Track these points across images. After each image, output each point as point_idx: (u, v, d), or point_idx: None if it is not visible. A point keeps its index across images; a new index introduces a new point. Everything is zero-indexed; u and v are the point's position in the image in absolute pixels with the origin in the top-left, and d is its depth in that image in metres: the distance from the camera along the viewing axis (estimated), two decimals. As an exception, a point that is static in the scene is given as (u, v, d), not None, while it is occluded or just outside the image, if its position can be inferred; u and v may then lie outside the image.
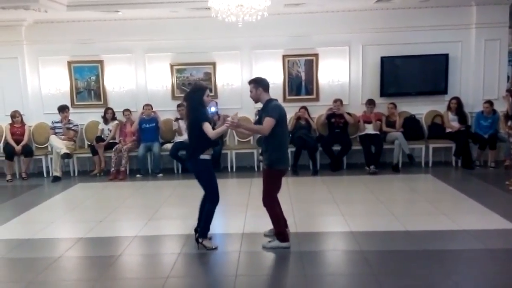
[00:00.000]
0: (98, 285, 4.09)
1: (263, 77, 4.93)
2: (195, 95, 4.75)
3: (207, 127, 4.59)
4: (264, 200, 4.73)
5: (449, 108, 8.70)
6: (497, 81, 8.81)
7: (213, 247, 4.80)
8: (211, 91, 8.91)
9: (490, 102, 8.45)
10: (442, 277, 4.01)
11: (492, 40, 8.70)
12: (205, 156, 4.69)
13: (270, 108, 4.61)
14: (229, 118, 4.49)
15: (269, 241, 4.84)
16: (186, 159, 4.99)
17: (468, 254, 4.55)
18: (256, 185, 7.58)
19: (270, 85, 9.12)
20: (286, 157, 4.81)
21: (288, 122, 8.60)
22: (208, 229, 4.83)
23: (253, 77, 8.67)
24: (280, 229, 4.75)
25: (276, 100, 4.78)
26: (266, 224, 5.14)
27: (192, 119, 4.70)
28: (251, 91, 4.77)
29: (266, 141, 4.67)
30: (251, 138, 9.02)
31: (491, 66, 8.77)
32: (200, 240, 4.81)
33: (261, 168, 8.70)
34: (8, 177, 8.62)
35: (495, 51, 8.73)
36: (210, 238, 4.90)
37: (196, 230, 4.90)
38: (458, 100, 8.65)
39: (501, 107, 8.20)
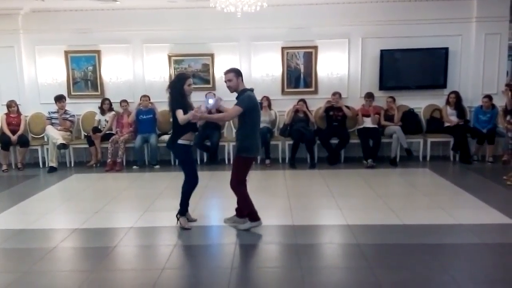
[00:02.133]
0: (93, 276, 4.07)
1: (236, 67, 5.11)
2: (177, 83, 5.00)
3: (178, 113, 4.86)
4: (231, 184, 5.02)
5: (448, 102, 8.67)
6: (496, 75, 8.78)
7: (186, 227, 5.11)
8: (208, 82, 8.90)
9: (489, 97, 8.43)
10: (439, 271, 4.00)
11: (493, 34, 8.66)
12: (183, 141, 4.98)
13: (240, 98, 4.83)
14: (195, 109, 4.84)
15: (241, 224, 5.11)
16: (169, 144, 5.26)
17: (465, 248, 4.54)
18: (253, 178, 7.53)
19: (268, 78, 9.25)
20: (255, 146, 4.98)
21: (286, 114, 8.74)
22: (186, 208, 5.21)
23: (252, 69, 8.86)
24: (249, 210, 5.02)
25: (251, 90, 4.95)
26: (262, 216, 5.13)
27: (171, 106, 4.98)
28: (230, 80, 4.88)
29: (238, 129, 4.99)
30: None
31: (490, 60, 8.74)
32: (178, 216, 5.18)
33: (258, 161, 8.73)
34: (4, 167, 8.58)
35: (495, 45, 8.70)
36: (195, 220, 5.33)
37: (177, 215, 5.22)
38: (457, 94, 8.61)
39: (500, 102, 8.18)
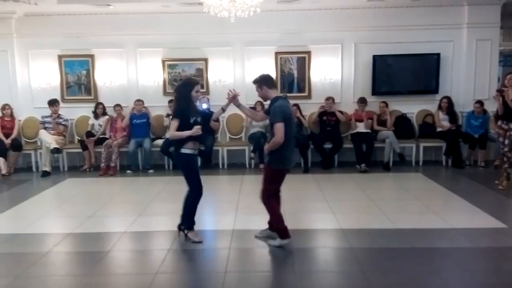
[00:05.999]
0: (86, 280, 4.06)
1: (265, 73, 4.87)
2: (183, 88, 4.81)
3: (172, 123, 4.70)
4: (262, 197, 4.71)
5: (440, 107, 8.74)
6: (488, 81, 8.86)
7: (198, 240, 4.83)
8: (202, 87, 8.90)
9: (480, 102, 8.51)
10: (431, 275, 4.03)
11: (484, 40, 8.75)
12: (186, 150, 4.72)
13: (271, 112, 4.50)
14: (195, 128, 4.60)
15: (273, 239, 4.76)
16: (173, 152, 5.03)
17: (457, 252, 4.57)
18: (247, 182, 7.59)
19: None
20: (287, 158, 4.62)
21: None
22: (192, 221, 4.90)
23: (246, 74, 8.89)
24: (280, 226, 4.68)
25: (281, 97, 4.60)
26: (256, 221, 5.14)
27: (174, 111, 4.84)
28: (257, 91, 4.70)
29: (269, 139, 4.61)
30: (243, 135, 9.00)
31: (482, 66, 8.81)
32: (185, 232, 4.88)
33: (252, 166, 8.76)
34: (3, 171, 8.32)
35: (487, 51, 8.78)
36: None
37: (179, 227, 4.96)
38: (449, 99, 8.69)
39: (491, 107, 8.25)
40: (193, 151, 4.78)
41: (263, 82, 4.64)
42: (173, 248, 4.77)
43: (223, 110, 5.14)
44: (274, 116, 4.44)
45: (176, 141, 4.78)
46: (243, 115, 8.16)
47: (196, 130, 4.62)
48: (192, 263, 4.50)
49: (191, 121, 4.68)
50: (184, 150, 4.73)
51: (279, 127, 4.39)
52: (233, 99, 4.89)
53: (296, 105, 8.74)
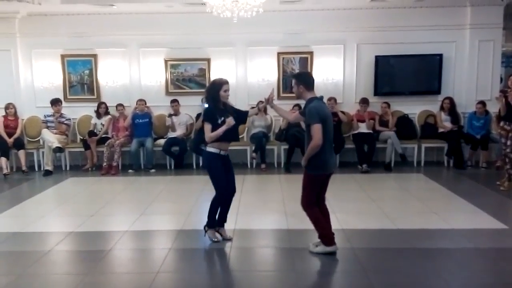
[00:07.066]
0: (87, 279, 4.07)
1: (306, 71, 4.76)
2: (212, 88, 4.73)
3: (206, 129, 4.62)
4: (302, 204, 4.46)
5: (442, 108, 8.74)
6: (490, 82, 8.86)
7: (214, 240, 4.80)
8: (205, 87, 8.87)
9: (483, 103, 8.50)
10: (432, 275, 4.03)
11: (486, 41, 8.74)
12: (211, 149, 4.65)
13: (307, 113, 4.26)
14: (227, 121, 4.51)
15: (316, 245, 4.53)
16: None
17: (458, 253, 4.56)
18: (248, 182, 7.60)
19: (264, 83, 9.21)
20: (327, 162, 4.33)
21: (281, 119, 8.75)
22: (213, 221, 4.82)
23: (248, 74, 8.91)
24: (322, 231, 4.44)
25: (317, 98, 4.35)
26: (258, 220, 5.15)
27: (203, 113, 4.79)
28: (292, 87, 4.50)
29: (306, 144, 4.33)
30: (244, 135, 9.00)
31: (484, 67, 8.81)
32: (206, 229, 4.84)
33: (253, 165, 8.77)
34: (5, 171, 8.36)
35: (489, 52, 8.78)
36: (229, 239, 4.91)
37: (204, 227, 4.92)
38: (451, 100, 8.68)
39: (493, 108, 8.24)
40: (219, 150, 4.66)
41: (301, 80, 4.39)
42: (174, 247, 4.77)
43: (259, 109, 5.13)
44: (310, 117, 4.19)
45: (201, 140, 4.66)
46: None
47: (229, 121, 4.52)
48: (193, 262, 4.51)
49: (219, 121, 4.59)
50: (210, 149, 4.66)
51: (317, 129, 4.13)
52: (269, 100, 4.78)
53: (298, 105, 8.66)
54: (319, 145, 4.14)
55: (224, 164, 4.73)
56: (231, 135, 4.70)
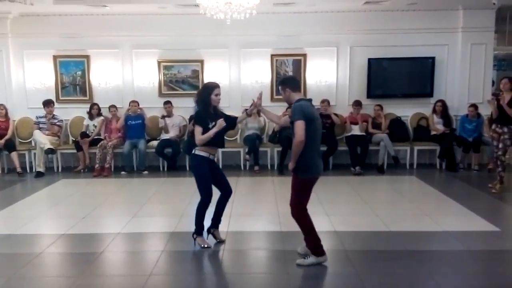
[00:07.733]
0: (79, 281, 4.04)
1: (290, 76, 4.74)
2: (203, 91, 4.71)
3: (196, 129, 4.58)
4: (292, 211, 4.34)
5: (434, 110, 8.78)
6: (482, 85, 8.91)
7: (205, 246, 4.74)
8: (198, 88, 8.87)
9: (475, 106, 8.55)
10: (424, 277, 4.05)
11: (478, 44, 8.80)
12: (200, 152, 4.62)
13: (292, 112, 4.20)
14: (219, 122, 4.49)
15: (304, 257, 4.34)
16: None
17: (450, 255, 4.59)
18: (242, 184, 7.59)
19: (257, 85, 9.20)
20: (314, 165, 4.25)
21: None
22: (201, 227, 4.77)
23: (241, 76, 8.91)
24: (314, 242, 4.28)
25: (303, 99, 4.29)
26: (250, 222, 5.14)
27: (194, 116, 4.75)
28: (281, 93, 4.44)
29: (293, 144, 4.20)
30: (238, 136, 9.00)
31: (476, 70, 8.87)
32: (194, 237, 4.79)
33: (247, 167, 8.76)
34: None
35: (481, 55, 8.83)
36: (222, 241, 4.89)
37: (208, 230, 4.87)
38: (443, 103, 8.73)
39: (485, 111, 8.30)
40: (209, 155, 4.64)
41: (287, 83, 4.37)
42: (167, 250, 4.76)
43: (248, 114, 5.05)
44: (293, 114, 4.13)
45: (194, 143, 4.64)
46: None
47: (220, 123, 4.50)
48: (186, 265, 4.49)
49: (210, 126, 4.56)
50: (199, 152, 4.62)
51: (299, 125, 4.04)
52: (256, 105, 4.77)
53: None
54: (302, 141, 4.05)
55: (212, 168, 4.71)
56: (219, 141, 4.68)
